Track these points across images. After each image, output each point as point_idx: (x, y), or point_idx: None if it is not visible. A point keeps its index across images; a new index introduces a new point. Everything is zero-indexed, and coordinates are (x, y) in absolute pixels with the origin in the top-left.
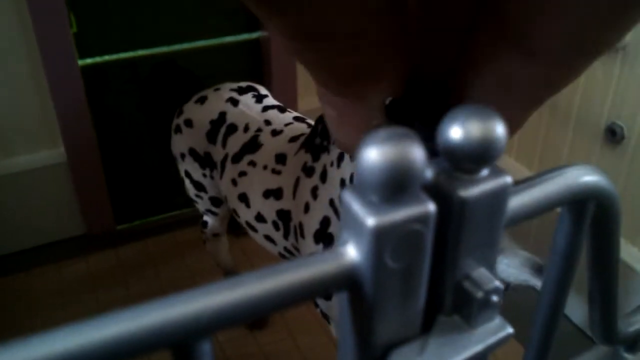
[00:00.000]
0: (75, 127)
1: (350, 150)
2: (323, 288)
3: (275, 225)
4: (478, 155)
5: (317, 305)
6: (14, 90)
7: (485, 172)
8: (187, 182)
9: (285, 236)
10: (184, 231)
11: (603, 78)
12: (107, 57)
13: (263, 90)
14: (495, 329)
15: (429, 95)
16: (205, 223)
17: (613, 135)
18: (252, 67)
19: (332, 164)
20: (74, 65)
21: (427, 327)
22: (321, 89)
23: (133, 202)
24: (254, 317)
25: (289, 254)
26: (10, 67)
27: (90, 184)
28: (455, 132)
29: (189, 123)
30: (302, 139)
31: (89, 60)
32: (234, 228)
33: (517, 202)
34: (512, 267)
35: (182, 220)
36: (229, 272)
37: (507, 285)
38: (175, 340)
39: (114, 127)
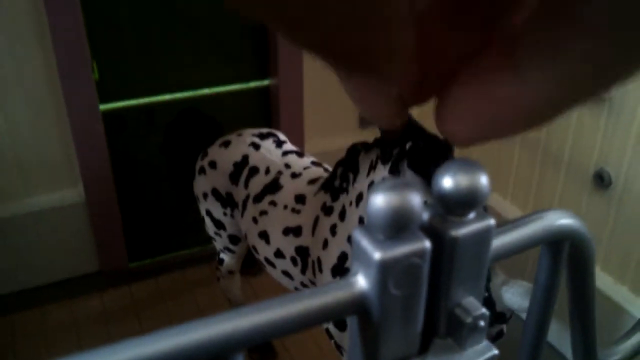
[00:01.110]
0: (94, 168)
1: (378, 122)
2: (337, 313)
3: (294, 260)
4: (466, 202)
5: (331, 337)
6: (38, 134)
7: (472, 215)
8: (207, 220)
9: (303, 271)
10: (194, 269)
11: (591, 127)
12: (126, 102)
13: (282, 136)
14: (483, 350)
15: (440, 146)
16: (221, 260)
17: (601, 180)
18: (261, 112)
19: (350, 204)
20: (95, 110)
21: (424, 348)
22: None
23: (145, 241)
24: (279, 336)
25: (305, 289)
26: (35, 111)
27: (106, 223)
28: (447, 182)
29: (213, 165)
30: (320, 181)
31: (109, 105)
32: (245, 268)
33: (501, 240)
34: (516, 295)
35: (192, 259)
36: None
37: (512, 313)
38: (216, 353)
39: (130, 169)
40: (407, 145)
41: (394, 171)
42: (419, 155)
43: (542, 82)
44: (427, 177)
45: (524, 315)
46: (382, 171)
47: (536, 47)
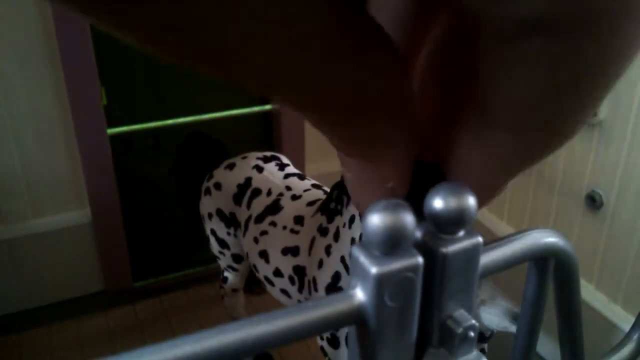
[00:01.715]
0: (101, 190)
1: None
2: (337, 323)
3: (291, 279)
4: (455, 220)
5: (325, 355)
6: (48, 157)
7: (461, 233)
8: (212, 239)
9: (300, 290)
10: (198, 289)
11: (582, 150)
12: (132, 127)
13: (285, 160)
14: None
15: (428, 170)
16: (225, 279)
17: (593, 201)
18: (264, 136)
19: (344, 225)
20: (103, 134)
21: (419, 356)
22: (338, 151)
23: (150, 261)
24: (285, 343)
25: None
26: (45, 136)
27: (111, 244)
28: (438, 203)
29: (218, 186)
30: (318, 203)
31: (116, 129)
32: (250, 287)
33: (489, 257)
34: (494, 315)
35: (195, 278)
36: None
37: (492, 332)
38: (227, 358)
39: (136, 190)
40: None
41: None
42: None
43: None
44: (414, 199)
45: (513, 329)
46: None
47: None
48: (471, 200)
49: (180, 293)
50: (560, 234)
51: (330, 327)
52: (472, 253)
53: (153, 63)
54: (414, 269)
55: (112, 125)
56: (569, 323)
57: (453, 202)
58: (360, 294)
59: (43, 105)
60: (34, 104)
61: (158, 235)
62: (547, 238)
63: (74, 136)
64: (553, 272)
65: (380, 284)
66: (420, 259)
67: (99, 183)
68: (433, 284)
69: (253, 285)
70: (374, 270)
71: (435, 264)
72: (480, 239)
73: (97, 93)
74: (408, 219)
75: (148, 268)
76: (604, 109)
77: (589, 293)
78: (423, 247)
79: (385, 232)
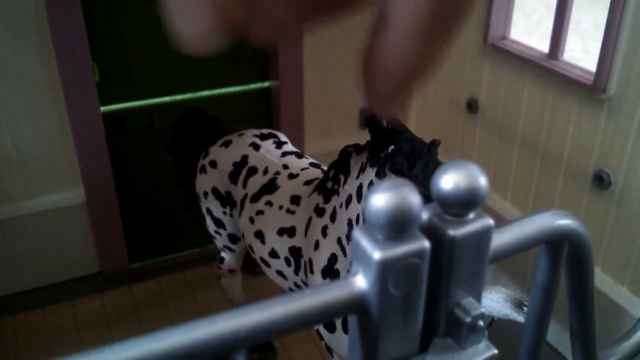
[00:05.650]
0: (95, 169)
1: (190, 40)
2: (336, 312)
3: (287, 261)
4: (465, 202)
5: (322, 338)
6: (40, 136)
7: (471, 215)
8: (208, 219)
9: (296, 272)
10: (195, 270)
11: (590, 128)
12: (126, 104)
13: (283, 137)
14: (483, 350)
15: (422, 150)
16: (222, 259)
17: (600, 181)
18: (262, 114)
19: (340, 206)
20: (96, 112)
21: (424, 347)
22: None
23: (146, 242)
24: (280, 334)
25: (298, 289)
26: (37, 115)
27: (106, 225)
28: (446, 183)
29: (213, 164)
30: (315, 182)
31: (109, 107)
32: (247, 267)
33: (500, 240)
34: (495, 302)
35: (192, 259)
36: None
37: (492, 320)
38: (218, 351)
39: (130, 170)
40: (390, 149)
41: (381, 174)
42: (403, 159)
43: None
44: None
45: (522, 318)
46: (370, 174)
47: None
48: (482, 180)
49: (177, 275)
50: (574, 215)
51: (329, 317)
52: (483, 236)
53: (147, 38)
54: (419, 254)
55: (105, 103)
56: (581, 309)
57: (463, 182)
58: (361, 281)
59: (34, 83)
60: (24, 83)
61: (154, 216)
62: (561, 220)
63: (66, 114)
64: (566, 256)
65: (384, 271)
66: (426, 243)
67: (93, 162)
68: (440, 270)
69: (252, 266)
70: (377, 255)
71: (442, 249)
72: (491, 222)
73: (89, 70)
74: (414, 199)
75: (145, 249)
76: (613, 85)
77: (595, 275)
78: (430, 231)
79: (389, 214)
